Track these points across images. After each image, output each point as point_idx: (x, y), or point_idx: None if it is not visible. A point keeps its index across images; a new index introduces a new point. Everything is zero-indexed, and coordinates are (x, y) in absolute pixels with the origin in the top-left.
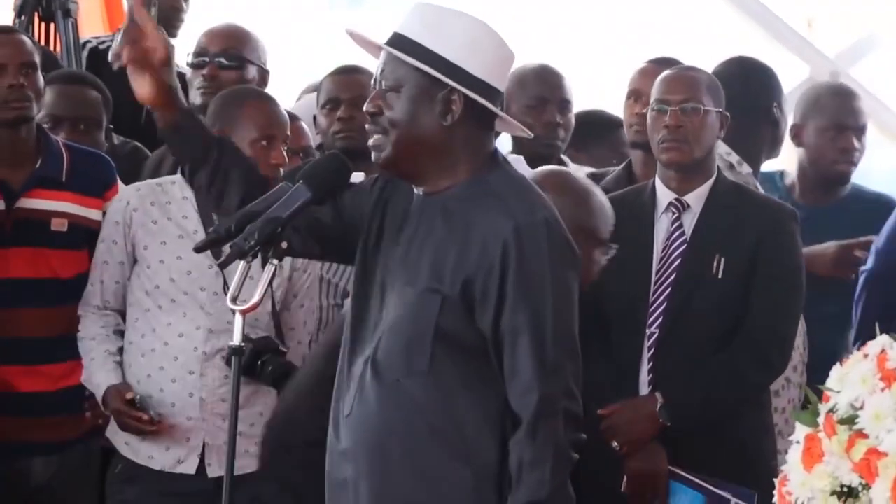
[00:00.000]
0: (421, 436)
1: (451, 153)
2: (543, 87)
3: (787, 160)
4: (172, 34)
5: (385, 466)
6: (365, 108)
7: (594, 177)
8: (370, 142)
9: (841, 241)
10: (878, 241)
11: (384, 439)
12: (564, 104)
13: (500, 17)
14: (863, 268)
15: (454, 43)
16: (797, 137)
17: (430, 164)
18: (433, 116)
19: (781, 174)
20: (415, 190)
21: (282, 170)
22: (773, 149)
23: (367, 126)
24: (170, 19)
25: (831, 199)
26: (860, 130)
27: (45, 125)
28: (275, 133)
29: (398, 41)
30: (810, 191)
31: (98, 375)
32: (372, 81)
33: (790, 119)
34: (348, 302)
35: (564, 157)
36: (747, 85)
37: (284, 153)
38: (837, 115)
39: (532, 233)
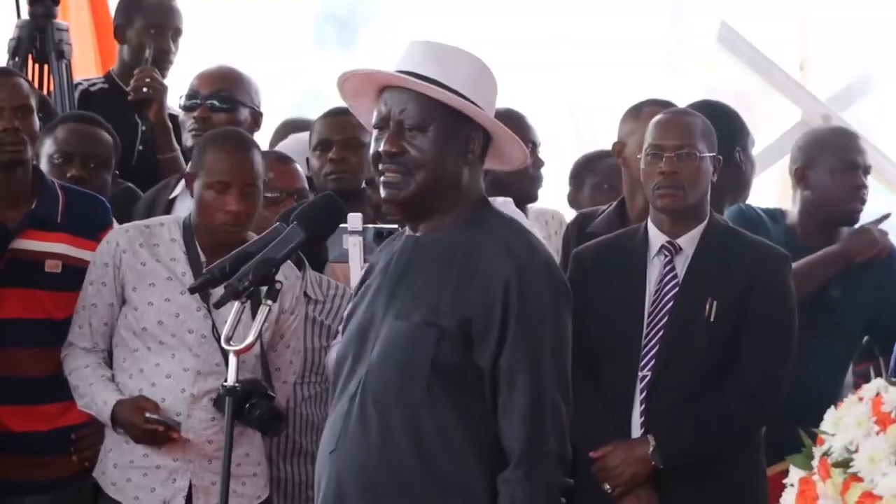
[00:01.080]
0: (413, 468)
1: (461, 190)
2: (518, 130)
3: (766, 200)
4: (162, 76)
5: (376, 500)
6: (384, 148)
7: (584, 216)
8: (384, 179)
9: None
10: None
11: (374, 472)
12: (535, 147)
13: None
14: None
15: (464, 79)
16: (802, 180)
17: (445, 202)
18: (457, 154)
19: (782, 213)
20: (406, 232)
21: (237, 216)
22: (738, 193)
23: (382, 166)
24: (159, 62)
25: (832, 241)
26: (867, 170)
27: (55, 161)
28: (227, 180)
29: (417, 79)
30: (814, 232)
31: (102, 395)
32: (381, 120)
33: (788, 162)
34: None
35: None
36: None
37: (240, 201)
38: (847, 155)
39: (534, 273)
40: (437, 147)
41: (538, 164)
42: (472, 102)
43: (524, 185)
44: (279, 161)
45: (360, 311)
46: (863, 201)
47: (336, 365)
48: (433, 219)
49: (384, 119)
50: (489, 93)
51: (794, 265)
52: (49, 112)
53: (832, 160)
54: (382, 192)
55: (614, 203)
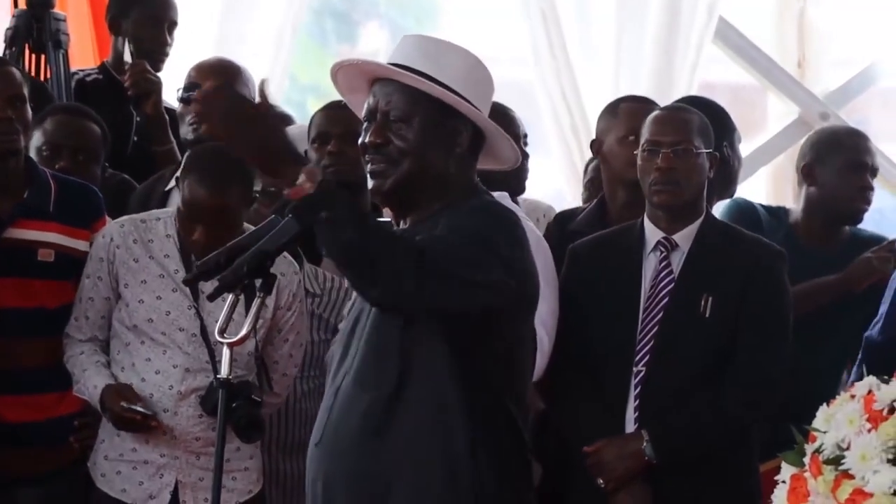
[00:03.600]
0: (389, 449)
1: (448, 183)
2: (503, 123)
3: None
4: (157, 68)
5: (358, 490)
6: (369, 139)
7: (563, 216)
8: (369, 169)
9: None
10: (884, 305)
11: (356, 463)
12: (521, 139)
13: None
14: (867, 332)
15: (456, 74)
16: (809, 176)
17: (429, 194)
18: (443, 147)
19: (785, 211)
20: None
21: (201, 244)
22: (725, 188)
23: (367, 156)
24: (154, 53)
25: (833, 240)
26: (874, 172)
27: (43, 153)
28: (197, 218)
29: (407, 71)
30: (817, 231)
31: (94, 379)
32: (369, 112)
33: (783, 160)
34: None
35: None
36: None
37: (204, 233)
38: (857, 154)
39: (471, 207)
40: (420, 138)
41: (524, 154)
42: (462, 97)
43: (511, 179)
44: None
45: (353, 309)
46: (867, 201)
47: (329, 362)
48: (418, 211)
49: (372, 111)
50: (482, 89)
51: (792, 288)
52: (48, 100)
53: (841, 158)
54: (369, 184)
55: (594, 201)
